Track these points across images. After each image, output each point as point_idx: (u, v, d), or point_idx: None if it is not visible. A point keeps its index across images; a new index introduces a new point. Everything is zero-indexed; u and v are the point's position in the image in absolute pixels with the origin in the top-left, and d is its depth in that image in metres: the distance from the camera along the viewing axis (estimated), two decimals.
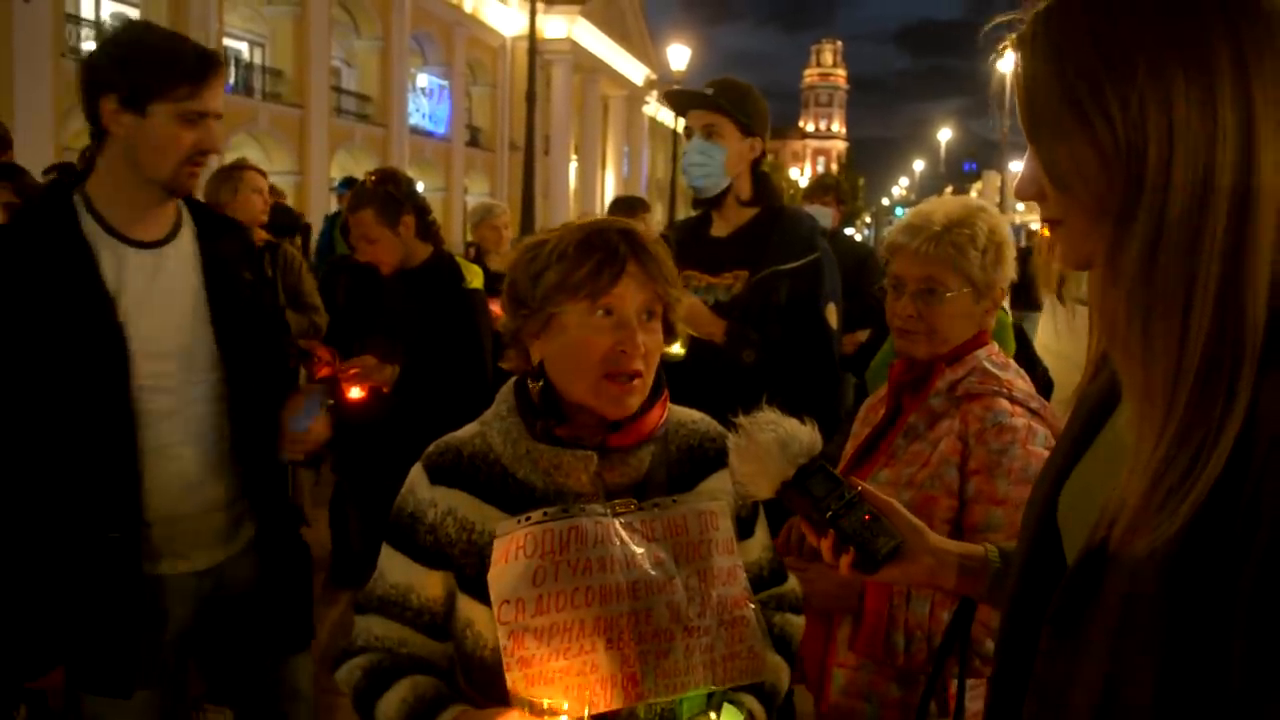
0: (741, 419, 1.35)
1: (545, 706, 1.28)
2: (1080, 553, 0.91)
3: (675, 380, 1.59)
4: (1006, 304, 2.32)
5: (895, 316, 1.94)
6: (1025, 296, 9.44)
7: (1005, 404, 1.82)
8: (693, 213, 3.06)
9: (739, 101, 2.82)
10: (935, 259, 1.86)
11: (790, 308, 2.72)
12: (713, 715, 1.38)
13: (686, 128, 2.94)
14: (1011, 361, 1.96)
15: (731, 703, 1.40)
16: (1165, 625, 0.81)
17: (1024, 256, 5.33)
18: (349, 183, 9.27)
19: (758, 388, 2.11)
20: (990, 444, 1.78)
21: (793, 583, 1.65)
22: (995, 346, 1.95)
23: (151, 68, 1.96)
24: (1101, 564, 0.87)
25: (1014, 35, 0.93)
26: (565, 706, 1.28)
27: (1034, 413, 1.82)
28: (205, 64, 2.01)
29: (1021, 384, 1.88)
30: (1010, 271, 1.91)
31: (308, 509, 5.63)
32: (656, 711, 1.39)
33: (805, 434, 1.31)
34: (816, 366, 2.79)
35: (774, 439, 1.29)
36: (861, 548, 1.23)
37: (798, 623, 1.63)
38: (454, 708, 1.37)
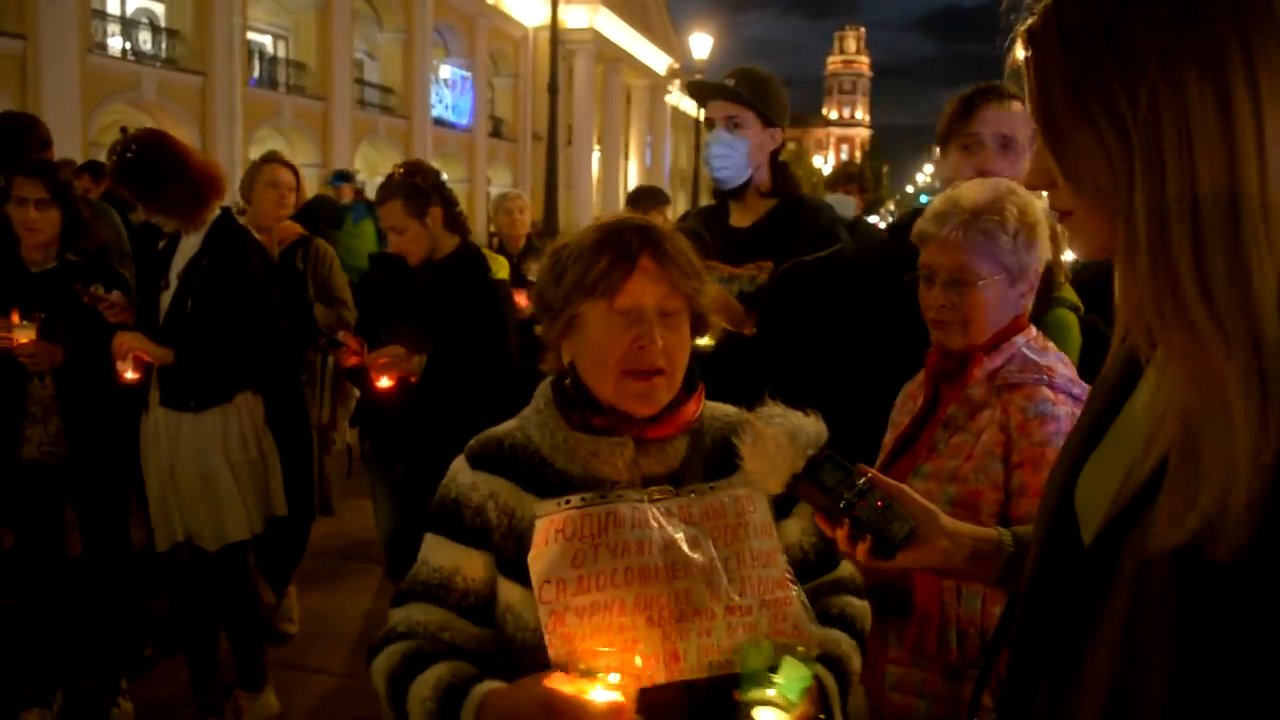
0: (747, 415, 1.34)
1: (592, 669, 1.27)
2: (1095, 536, 0.90)
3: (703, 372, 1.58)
4: (1076, 300, 2.26)
5: (928, 308, 1.89)
6: None
7: (1047, 392, 1.77)
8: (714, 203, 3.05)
9: (761, 93, 2.82)
10: (965, 247, 1.81)
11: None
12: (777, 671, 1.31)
13: (708, 118, 2.92)
14: (1051, 345, 1.90)
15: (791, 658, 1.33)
16: (1179, 610, 0.80)
17: None
18: (343, 176, 9.21)
19: (782, 378, 2.10)
20: (1034, 436, 1.74)
21: (849, 568, 1.62)
22: (1034, 330, 1.90)
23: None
24: (1117, 548, 0.86)
25: (1023, 27, 0.91)
26: (614, 680, 1.27)
27: (1076, 399, 1.78)
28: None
29: (1063, 369, 1.83)
30: (1045, 252, 1.86)
31: (335, 500, 5.68)
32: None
33: (811, 424, 1.30)
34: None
35: (782, 432, 1.28)
36: (878, 534, 1.23)
37: (860, 605, 1.58)
38: (489, 682, 1.36)
